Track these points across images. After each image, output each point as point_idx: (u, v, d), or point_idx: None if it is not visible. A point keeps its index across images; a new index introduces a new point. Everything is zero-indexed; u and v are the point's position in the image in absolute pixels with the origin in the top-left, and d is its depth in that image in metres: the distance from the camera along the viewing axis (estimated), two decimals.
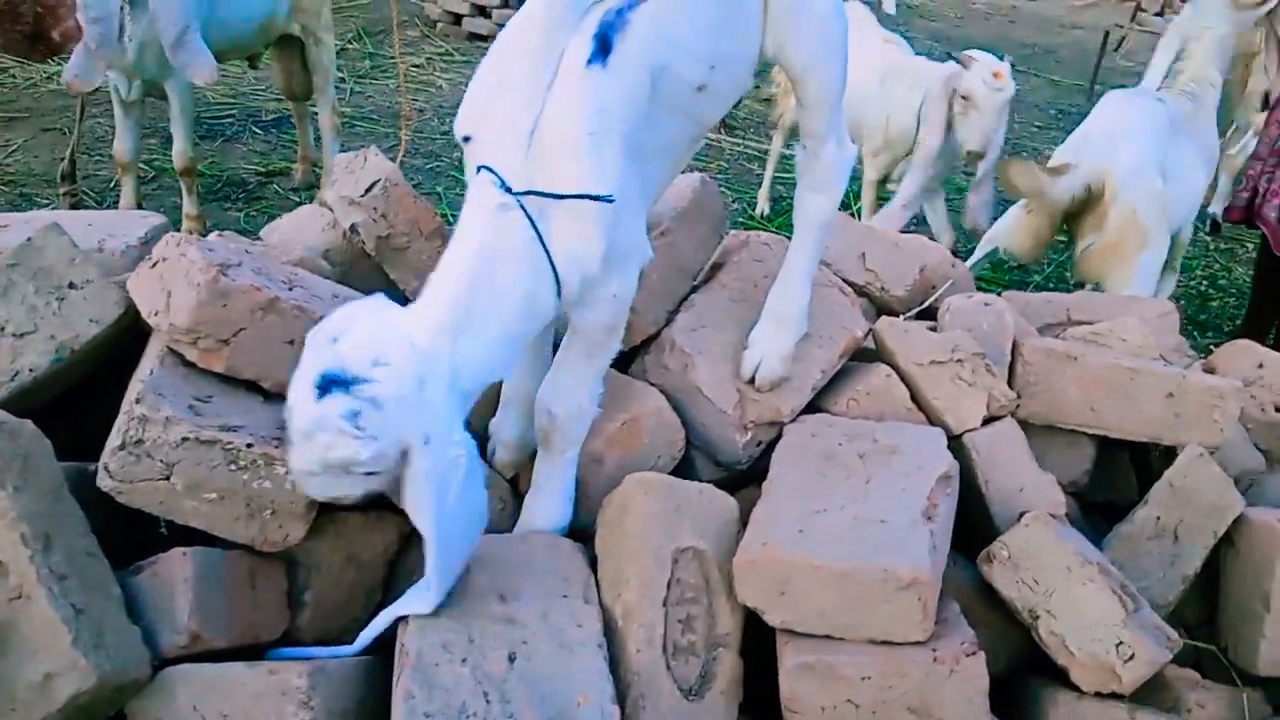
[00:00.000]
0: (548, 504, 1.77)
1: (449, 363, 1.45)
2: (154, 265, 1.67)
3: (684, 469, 1.94)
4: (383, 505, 1.75)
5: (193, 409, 1.54)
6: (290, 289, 1.70)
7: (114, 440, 1.49)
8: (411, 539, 1.79)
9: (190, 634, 1.47)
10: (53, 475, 1.48)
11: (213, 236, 1.84)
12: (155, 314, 1.62)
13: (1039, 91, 7.71)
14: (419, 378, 1.42)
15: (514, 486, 1.86)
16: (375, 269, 2.03)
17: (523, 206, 1.48)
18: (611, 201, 1.49)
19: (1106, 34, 7.44)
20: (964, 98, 3.80)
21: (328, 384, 1.39)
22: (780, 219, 5.01)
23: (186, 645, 1.48)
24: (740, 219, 4.98)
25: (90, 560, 1.45)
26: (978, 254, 3.88)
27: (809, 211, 1.90)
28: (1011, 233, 3.65)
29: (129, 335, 1.75)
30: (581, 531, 1.81)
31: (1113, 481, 2.30)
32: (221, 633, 1.51)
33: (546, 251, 1.50)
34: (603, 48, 1.51)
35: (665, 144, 1.71)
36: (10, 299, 1.67)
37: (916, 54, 4.52)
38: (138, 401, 1.50)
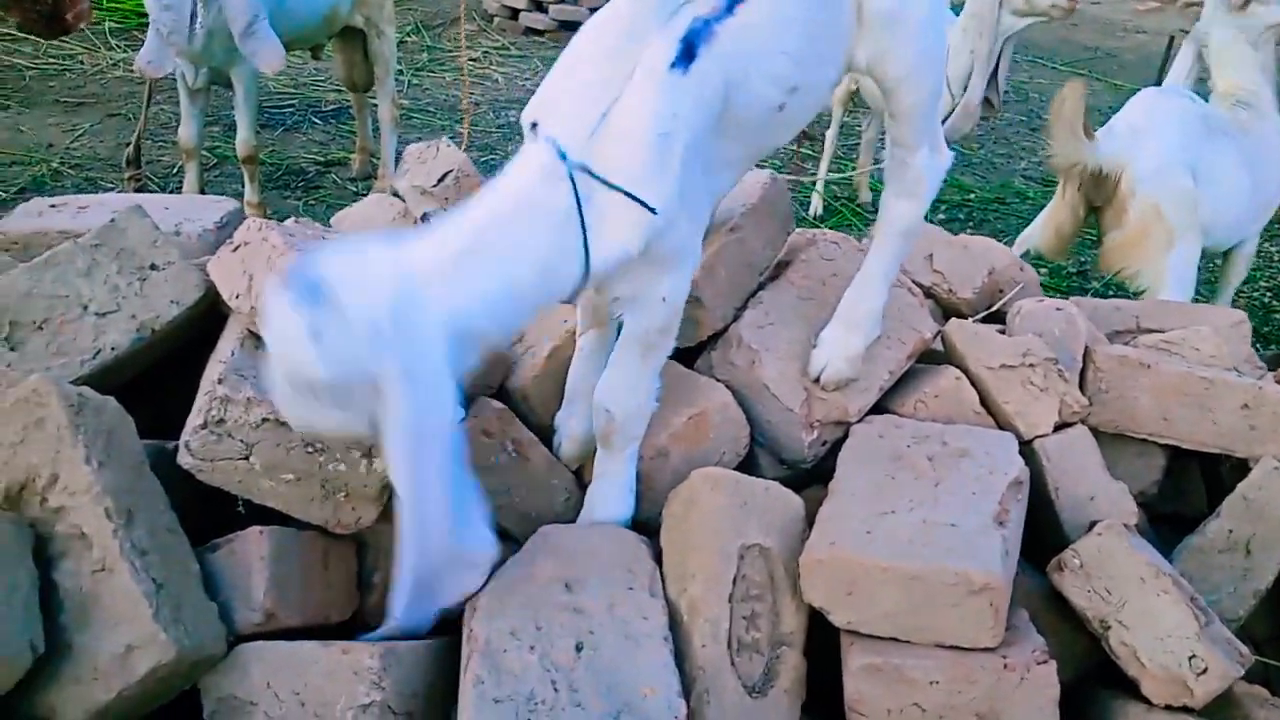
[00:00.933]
0: (610, 497, 1.78)
1: (446, 301, 1.38)
2: (235, 249, 1.70)
3: (748, 465, 1.93)
4: None
5: None
6: None
7: (195, 419, 1.52)
8: None
9: (265, 612, 1.50)
10: (135, 452, 1.51)
11: (289, 222, 1.86)
12: (236, 296, 1.65)
13: (1100, 95, 7.58)
14: (400, 303, 1.34)
15: (578, 478, 1.86)
16: None
17: (573, 179, 1.47)
18: (654, 213, 1.48)
19: (1171, 39, 7.28)
20: None
21: (301, 293, 1.31)
22: (834, 219, 4.98)
23: (261, 623, 1.50)
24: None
25: (170, 536, 1.48)
26: (1014, 253, 3.85)
27: (894, 217, 1.87)
28: (1038, 230, 3.63)
29: (207, 316, 1.78)
30: (645, 524, 1.81)
31: (1182, 492, 2.26)
32: (295, 611, 1.54)
33: (584, 231, 1.48)
34: (687, 53, 1.50)
35: (735, 157, 1.69)
36: (94, 278, 1.71)
37: None
38: (220, 382, 1.52)
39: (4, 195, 4.38)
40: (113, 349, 1.68)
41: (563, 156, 1.47)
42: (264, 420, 1.52)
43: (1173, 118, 3.47)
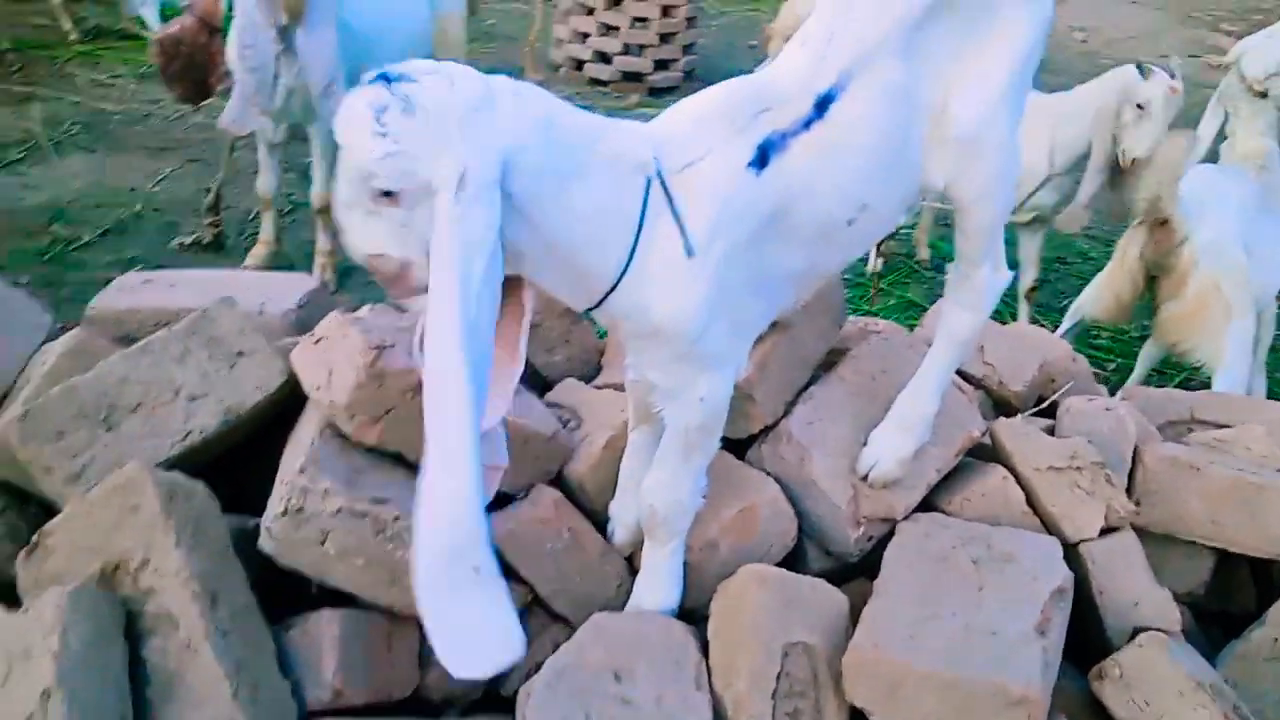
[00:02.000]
0: (656, 588, 1.84)
1: (514, 136, 1.34)
2: (317, 341, 1.81)
3: (795, 557, 1.99)
4: (507, 573, 1.86)
5: (348, 480, 1.66)
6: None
7: (277, 506, 1.62)
8: (532, 608, 1.89)
9: (334, 690, 1.59)
10: (220, 535, 1.62)
11: (365, 310, 1.97)
12: (317, 389, 1.75)
13: None
14: (474, 102, 1.32)
15: (630, 565, 1.94)
16: None
17: (650, 182, 1.50)
18: (691, 255, 1.52)
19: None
20: (1139, 106, 3.83)
21: (380, 78, 1.31)
22: (891, 275, 5.01)
23: (330, 701, 1.60)
24: (851, 276, 5.00)
25: (249, 617, 1.58)
26: (1065, 325, 3.89)
27: (954, 327, 1.92)
28: (1095, 297, 3.66)
29: (289, 399, 1.89)
30: (693, 613, 1.88)
31: (1231, 590, 2.27)
32: (361, 690, 1.63)
33: (637, 236, 1.49)
34: (762, 160, 1.58)
35: (797, 268, 1.72)
36: (186, 364, 1.82)
37: None
38: (301, 472, 1.62)
39: (89, 238, 4.61)
40: (201, 432, 1.79)
41: (658, 168, 1.51)
42: (339, 509, 1.62)
43: (1232, 195, 3.53)
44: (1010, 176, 1.82)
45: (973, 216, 1.82)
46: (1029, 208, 4.31)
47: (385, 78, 1.32)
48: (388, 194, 1.34)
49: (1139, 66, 3.91)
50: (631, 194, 1.49)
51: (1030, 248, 4.44)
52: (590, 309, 1.59)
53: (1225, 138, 3.94)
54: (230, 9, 3.79)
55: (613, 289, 1.53)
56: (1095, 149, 3.97)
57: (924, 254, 5.23)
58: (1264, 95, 3.71)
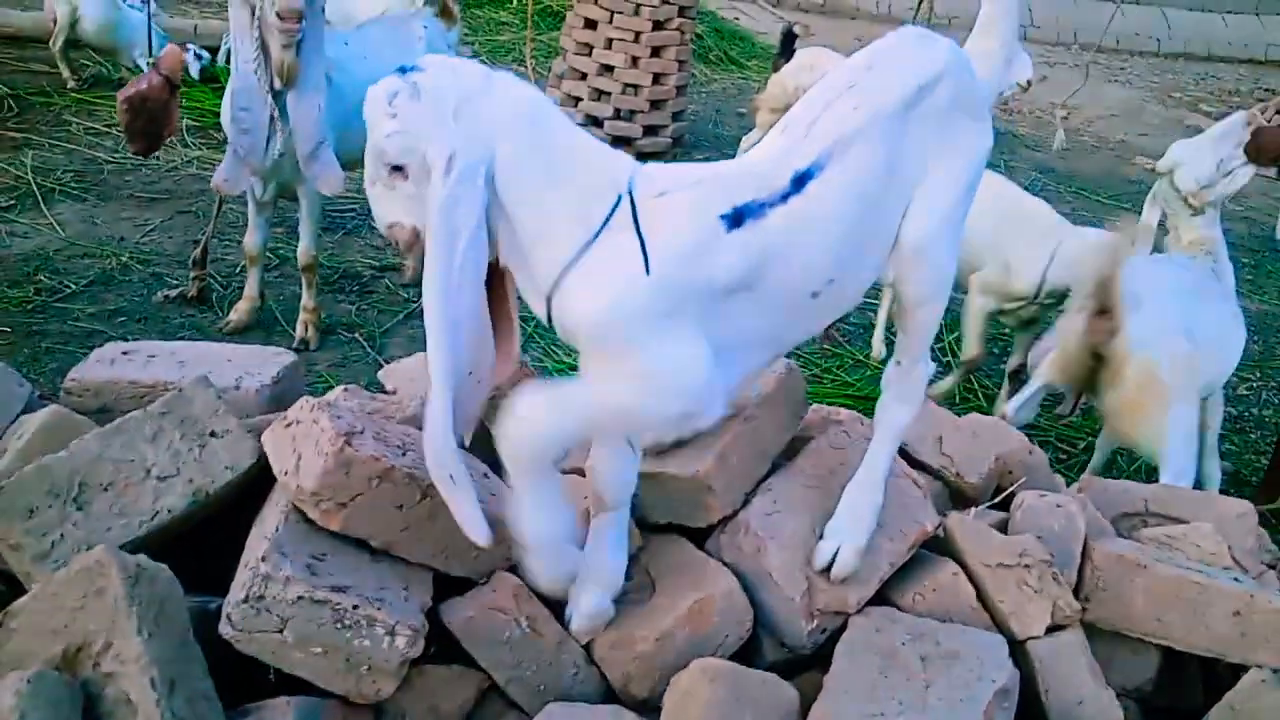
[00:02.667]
0: (516, 518, 1.76)
1: (500, 126, 1.55)
2: (288, 425, 1.86)
3: (751, 647, 2.03)
4: (465, 659, 1.89)
5: (309, 568, 1.70)
6: (404, 454, 1.86)
7: (238, 593, 1.66)
8: (488, 695, 1.92)
9: None
10: (182, 620, 1.65)
11: (338, 393, 2.02)
12: (285, 473, 1.80)
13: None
14: (471, 91, 1.55)
15: (587, 652, 1.97)
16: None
17: (621, 199, 1.63)
18: (648, 273, 1.60)
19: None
20: None
21: (397, 70, 1.58)
22: (863, 348, 5.09)
23: None
24: (829, 348, 5.07)
25: (206, 704, 1.61)
26: (1027, 390, 3.93)
27: (894, 420, 2.00)
28: (1052, 370, 3.70)
29: (258, 477, 1.94)
30: (646, 703, 1.91)
31: (1180, 685, 2.31)
32: None
33: (597, 232, 1.61)
34: (735, 218, 1.68)
35: (760, 334, 1.79)
36: (158, 444, 1.87)
37: (1024, 190, 4.60)
38: (263, 559, 1.66)
39: (74, 287, 4.64)
40: (169, 511, 1.83)
41: (630, 185, 1.65)
42: (299, 598, 1.65)
43: (1165, 283, 3.59)
44: (949, 287, 1.94)
45: (916, 318, 1.94)
46: (1019, 319, 4.33)
47: (403, 69, 1.57)
48: (398, 168, 1.59)
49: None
50: (600, 204, 1.62)
51: (1022, 339, 4.44)
52: (548, 316, 1.68)
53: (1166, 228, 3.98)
54: (187, 70, 3.91)
55: (555, 287, 1.63)
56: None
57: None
58: (1199, 211, 3.77)
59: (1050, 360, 3.72)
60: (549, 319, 1.69)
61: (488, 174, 1.56)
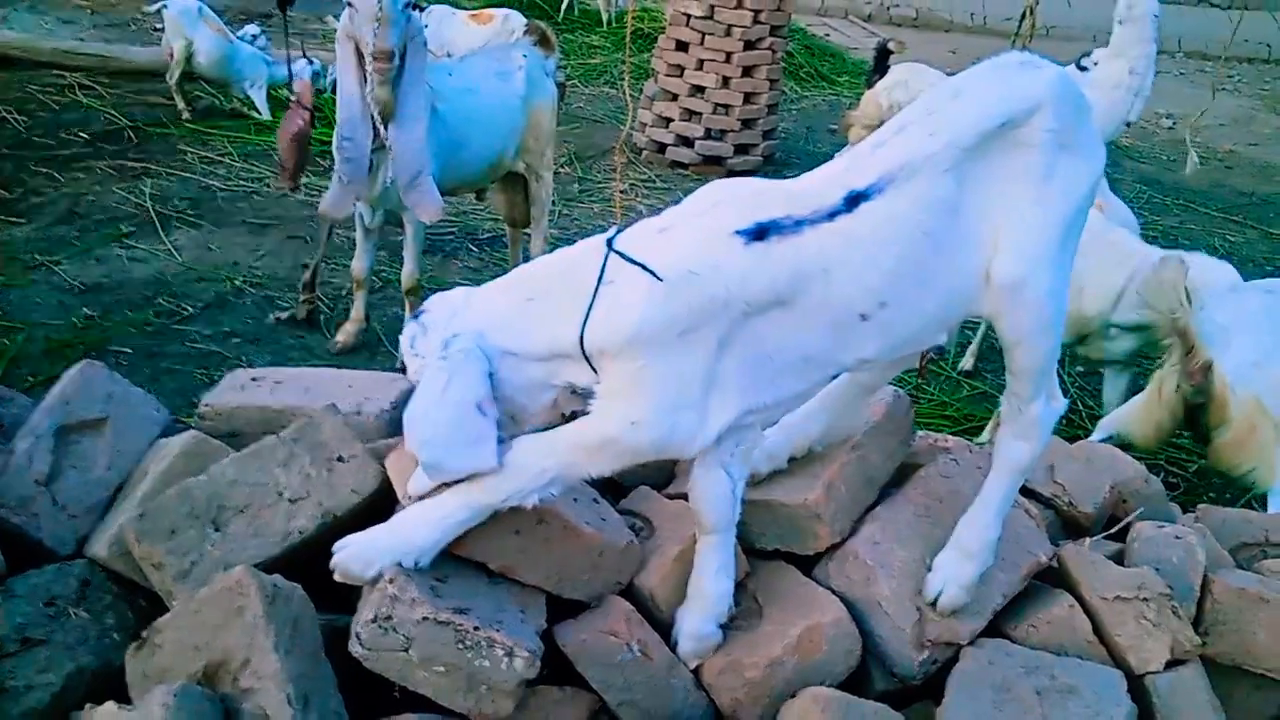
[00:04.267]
0: (395, 526, 1.82)
1: (482, 327, 1.75)
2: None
3: (859, 677, 2.03)
4: (577, 681, 1.94)
5: (433, 589, 1.76)
6: None
7: (366, 613, 1.72)
8: (599, 717, 1.96)
9: None
10: (315, 638, 1.73)
11: None
12: (408, 497, 1.87)
13: (1254, 245, 7.43)
14: (452, 331, 1.75)
15: (696, 677, 1.99)
16: None
17: (608, 256, 1.71)
18: (661, 280, 1.66)
19: None
20: None
21: (413, 317, 1.83)
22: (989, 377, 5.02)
23: None
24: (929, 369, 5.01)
25: (337, 719, 1.68)
26: (1097, 436, 3.80)
27: (1010, 457, 1.96)
28: (1133, 421, 3.58)
29: (383, 500, 2.01)
30: None
31: None
32: None
33: (593, 296, 1.69)
34: (756, 234, 1.70)
35: (810, 352, 1.77)
36: (290, 468, 1.96)
37: (1128, 203, 4.47)
38: (390, 581, 1.73)
39: (191, 310, 4.87)
40: (300, 533, 1.91)
41: (609, 242, 1.74)
42: (424, 618, 1.71)
43: (1253, 312, 3.47)
44: (1055, 326, 1.86)
45: (1017, 357, 1.88)
46: (1101, 350, 4.22)
47: (416, 315, 1.83)
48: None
49: None
50: (589, 273, 1.72)
51: (1114, 388, 4.24)
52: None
53: None
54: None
55: (582, 337, 1.71)
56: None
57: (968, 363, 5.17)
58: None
59: (1133, 415, 3.58)
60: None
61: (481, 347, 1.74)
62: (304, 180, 6.35)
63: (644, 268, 1.69)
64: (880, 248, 1.73)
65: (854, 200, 1.73)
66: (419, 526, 1.78)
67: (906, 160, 1.74)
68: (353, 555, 1.77)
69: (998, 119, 1.77)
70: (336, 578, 1.78)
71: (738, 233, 1.70)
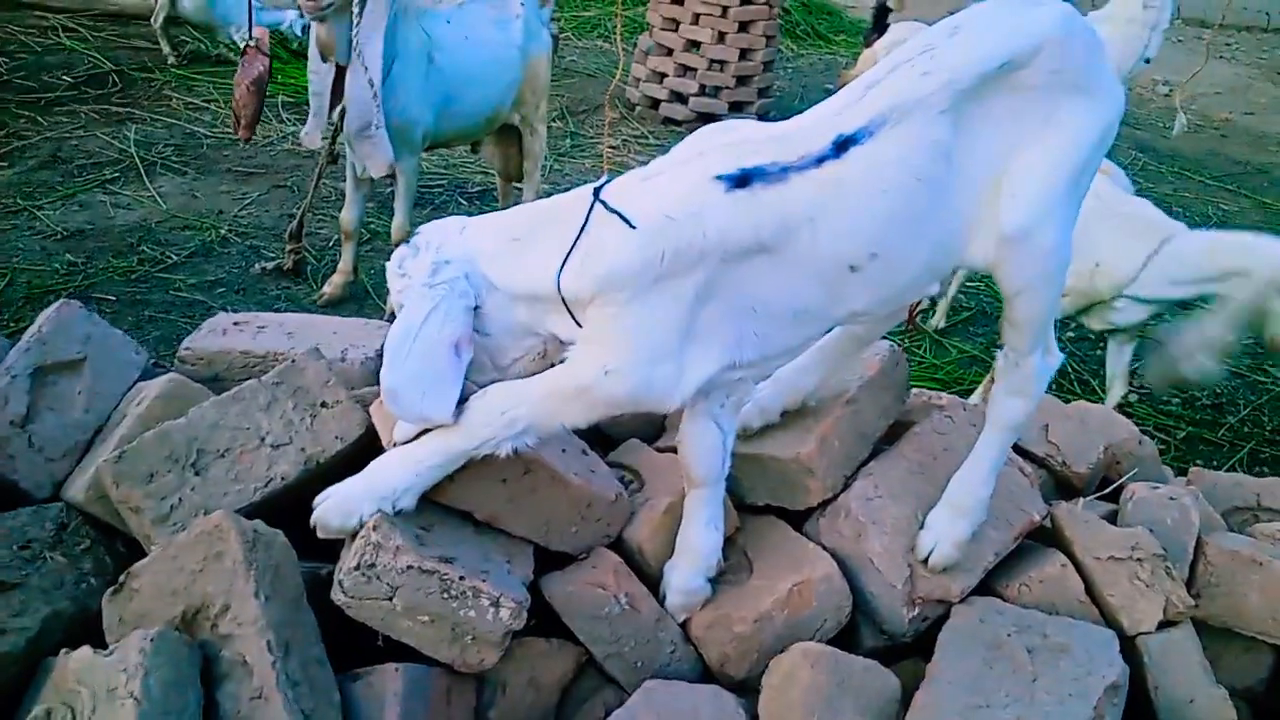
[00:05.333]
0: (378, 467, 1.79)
1: (474, 247, 1.75)
2: None
3: (849, 633, 2.01)
4: (564, 633, 1.91)
5: (418, 538, 1.73)
6: None
7: (350, 561, 1.69)
8: (587, 669, 1.94)
9: None
10: (296, 585, 1.69)
11: None
12: (393, 444, 1.82)
13: (1246, 214, 7.39)
14: (442, 259, 1.73)
15: (684, 630, 1.96)
16: None
17: (593, 204, 1.69)
18: (634, 228, 1.63)
19: None
20: None
21: (406, 242, 1.81)
22: (955, 334, 5.00)
23: None
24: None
25: (318, 668, 1.65)
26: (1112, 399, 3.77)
27: (1004, 413, 1.92)
28: None
29: (367, 449, 1.97)
30: (745, 684, 1.91)
31: None
32: None
33: (578, 236, 1.67)
34: (739, 181, 1.64)
35: (802, 304, 1.73)
36: (272, 413, 1.91)
37: (1123, 169, 4.40)
38: (374, 529, 1.69)
39: (175, 258, 4.78)
40: (282, 479, 1.87)
41: (596, 190, 1.72)
42: (408, 567, 1.68)
43: None
44: (1057, 278, 1.81)
45: (1016, 308, 1.82)
46: (1107, 321, 4.18)
47: (409, 240, 1.80)
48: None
49: None
50: (575, 218, 1.70)
51: (1120, 359, 4.18)
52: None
53: None
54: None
55: (559, 282, 1.69)
56: (1225, 331, 3.75)
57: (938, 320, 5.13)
58: None
59: None
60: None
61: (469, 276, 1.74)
62: (292, 129, 6.29)
63: (620, 216, 1.65)
64: (870, 195, 1.66)
65: (843, 145, 1.65)
66: (394, 470, 1.75)
67: (899, 102, 1.66)
68: (331, 508, 1.74)
69: (998, 59, 1.68)
70: (319, 534, 1.74)
71: (719, 179, 1.64)
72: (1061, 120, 1.73)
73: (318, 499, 1.76)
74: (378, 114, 4.00)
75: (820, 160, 1.66)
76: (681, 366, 1.68)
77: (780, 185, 1.64)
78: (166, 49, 6.97)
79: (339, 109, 4.07)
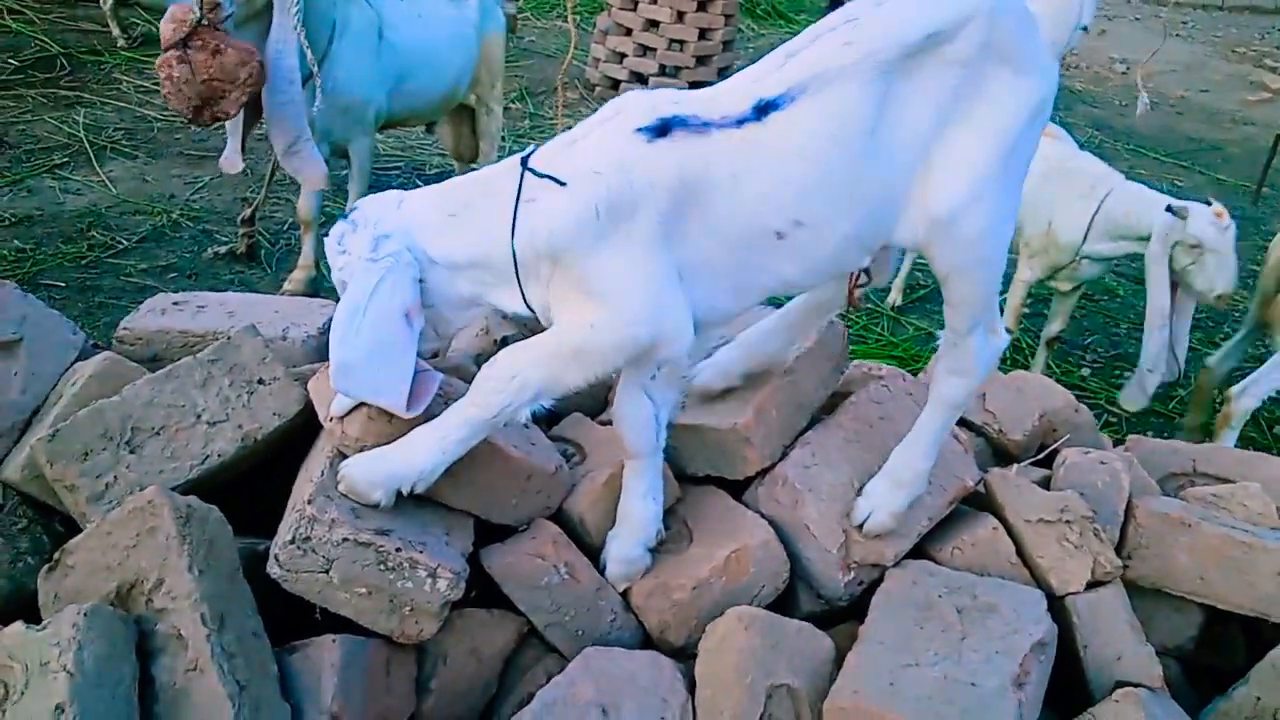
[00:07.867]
0: (414, 443, 1.79)
1: (412, 221, 1.77)
2: None
3: (786, 598, 2.04)
4: (505, 604, 1.93)
5: (354, 510, 1.74)
6: (446, 401, 1.89)
7: (285, 534, 1.70)
8: (528, 639, 1.96)
9: (332, 715, 1.65)
10: (231, 559, 1.70)
11: None
12: (330, 419, 1.83)
13: (1201, 190, 7.49)
14: (383, 233, 1.75)
15: (624, 599, 1.99)
16: None
17: (523, 175, 1.71)
18: (563, 185, 1.66)
19: (1278, 137, 7.19)
20: (1194, 246, 3.78)
21: (344, 217, 1.82)
22: (913, 312, 5.06)
23: None
24: (870, 307, 5.04)
25: (255, 640, 1.66)
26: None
27: (945, 391, 1.93)
28: None
29: (305, 425, 1.97)
30: (683, 650, 1.94)
31: (1222, 645, 2.29)
32: (358, 715, 1.69)
33: (515, 207, 1.69)
34: (660, 129, 1.67)
35: (722, 268, 1.74)
36: (208, 390, 1.91)
37: (1080, 147, 4.48)
38: (309, 502, 1.70)
39: (126, 244, 4.74)
40: (219, 456, 1.87)
41: (523, 160, 1.74)
42: (344, 540, 1.69)
43: None
44: (994, 258, 1.81)
45: (950, 289, 1.83)
46: (1074, 280, 4.25)
47: (347, 214, 1.82)
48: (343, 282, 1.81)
49: (1169, 209, 3.82)
50: (507, 188, 1.72)
51: (1064, 303, 4.41)
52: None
53: None
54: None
55: (515, 255, 1.72)
56: (1152, 306, 3.88)
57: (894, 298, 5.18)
58: None
59: None
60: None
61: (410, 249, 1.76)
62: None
63: (551, 178, 1.67)
64: (790, 161, 1.67)
65: (763, 109, 1.66)
66: (422, 449, 1.76)
67: (818, 70, 1.66)
68: (360, 476, 1.76)
69: (922, 30, 1.66)
70: (341, 489, 1.76)
71: (640, 130, 1.67)
72: (992, 96, 1.71)
73: (346, 462, 1.78)
74: (305, 123, 3.85)
75: (741, 122, 1.68)
76: (671, 305, 1.71)
77: (701, 136, 1.67)
78: (116, 31, 6.87)
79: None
